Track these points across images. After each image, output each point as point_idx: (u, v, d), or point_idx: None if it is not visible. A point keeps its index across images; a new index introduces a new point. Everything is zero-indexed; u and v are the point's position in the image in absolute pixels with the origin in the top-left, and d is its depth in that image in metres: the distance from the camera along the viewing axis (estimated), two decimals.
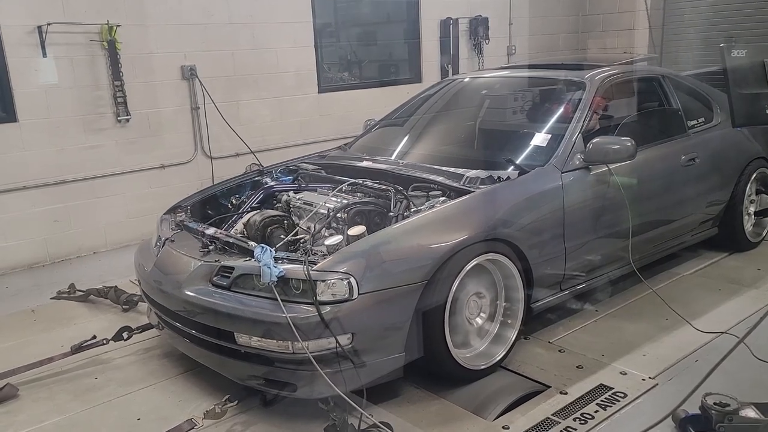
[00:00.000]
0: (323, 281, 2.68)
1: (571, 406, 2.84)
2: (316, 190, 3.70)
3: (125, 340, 3.52)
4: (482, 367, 3.11)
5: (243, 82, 6.00)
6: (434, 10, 7.35)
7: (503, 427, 2.72)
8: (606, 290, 3.90)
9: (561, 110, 3.88)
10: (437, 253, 2.88)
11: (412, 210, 3.18)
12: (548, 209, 3.35)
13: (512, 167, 3.43)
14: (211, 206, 3.88)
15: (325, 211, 3.28)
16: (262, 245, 2.83)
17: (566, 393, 2.94)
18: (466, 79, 4.86)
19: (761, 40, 7.28)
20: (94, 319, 4.04)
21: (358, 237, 2.87)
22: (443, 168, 3.51)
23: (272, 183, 3.95)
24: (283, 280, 2.71)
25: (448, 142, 4.29)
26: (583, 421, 2.72)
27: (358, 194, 3.45)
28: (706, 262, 4.52)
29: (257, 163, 4.62)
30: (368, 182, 3.48)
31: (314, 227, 3.21)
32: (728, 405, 2.46)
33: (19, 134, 4.90)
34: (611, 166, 3.57)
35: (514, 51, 8.16)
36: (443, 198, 3.25)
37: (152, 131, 5.54)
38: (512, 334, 3.22)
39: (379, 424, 2.60)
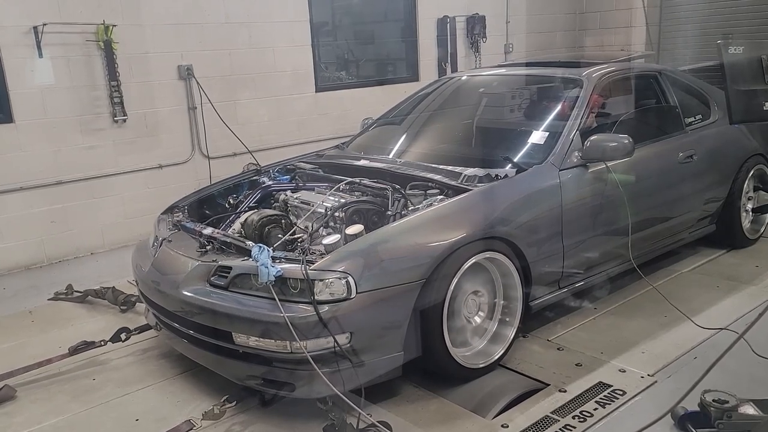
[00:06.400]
0: (321, 280, 2.68)
1: (570, 404, 2.84)
2: (313, 189, 3.69)
3: (123, 341, 3.51)
4: (481, 365, 3.10)
5: (240, 81, 5.98)
6: (431, 9, 7.34)
7: (502, 426, 2.72)
8: (604, 288, 3.89)
9: (558, 108, 3.87)
10: (435, 251, 2.88)
11: (409, 208, 3.18)
12: (546, 207, 3.35)
13: (510, 165, 3.43)
14: (209, 206, 3.87)
15: (323, 210, 3.27)
16: (260, 245, 2.82)
17: (565, 391, 2.94)
18: (464, 78, 4.86)
19: (758, 37, 7.28)
20: (91, 320, 4.04)
21: (356, 236, 2.87)
22: (441, 166, 3.51)
23: (270, 182, 3.94)
24: (281, 280, 2.70)
25: (446, 140, 4.29)
26: (582, 419, 2.72)
27: (356, 193, 3.45)
28: (704, 259, 4.52)
29: (255, 162, 4.61)
30: (366, 181, 3.47)
31: (312, 226, 3.20)
32: (727, 402, 2.46)
33: (16, 135, 4.89)
34: (609, 164, 3.57)
35: (511, 49, 8.15)
36: (441, 196, 3.25)
37: (149, 131, 5.53)
38: (511, 333, 3.22)
39: (378, 423, 2.60)
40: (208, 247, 3.14)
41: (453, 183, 3.30)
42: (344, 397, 2.59)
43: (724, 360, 2.36)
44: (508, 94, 4.29)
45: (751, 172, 4.61)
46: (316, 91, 6.54)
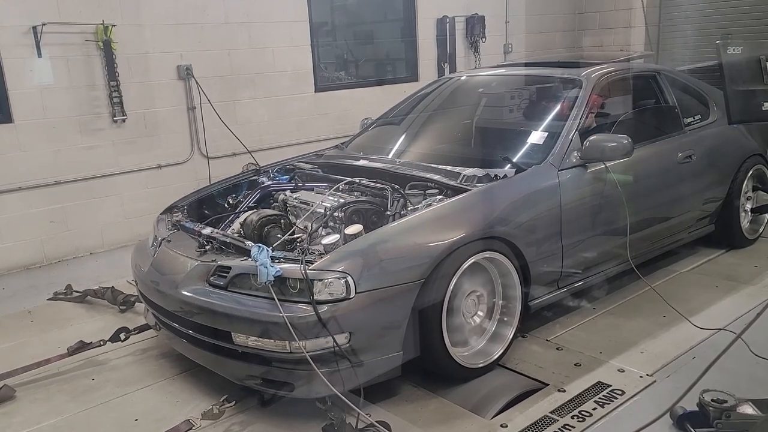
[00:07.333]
0: (320, 280, 2.68)
1: (569, 403, 2.84)
2: (312, 189, 3.69)
3: (122, 341, 3.51)
4: (480, 365, 3.10)
5: (239, 81, 5.98)
6: (431, 9, 7.34)
7: (501, 426, 2.72)
8: (603, 288, 3.89)
9: (557, 108, 3.88)
10: (434, 251, 2.88)
11: (409, 209, 3.18)
12: (545, 207, 3.35)
13: (509, 165, 3.43)
14: (208, 206, 3.87)
15: (322, 210, 3.27)
16: (259, 245, 2.82)
17: (564, 391, 2.94)
18: (463, 78, 4.86)
19: (758, 37, 7.28)
20: (91, 320, 4.04)
21: (355, 236, 2.87)
22: (440, 166, 3.51)
23: (269, 182, 3.94)
24: (280, 280, 2.71)
25: (445, 140, 4.29)
26: (581, 419, 2.72)
27: (355, 193, 3.45)
28: (703, 259, 4.52)
29: (254, 162, 4.62)
30: (365, 181, 3.48)
31: (311, 226, 3.20)
32: (726, 402, 2.47)
33: (15, 135, 4.89)
34: (608, 164, 3.57)
35: (510, 49, 8.15)
36: (440, 196, 3.25)
37: (149, 131, 5.53)
38: (510, 332, 3.22)
39: (377, 423, 2.60)
40: (207, 247, 3.14)
41: (452, 183, 3.30)
42: (343, 397, 2.59)
43: (723, 360, 2.36)
44: (508, 94, 4.30)
45: (750, 172, 4.61)
46: (315, 91, 6.55)
